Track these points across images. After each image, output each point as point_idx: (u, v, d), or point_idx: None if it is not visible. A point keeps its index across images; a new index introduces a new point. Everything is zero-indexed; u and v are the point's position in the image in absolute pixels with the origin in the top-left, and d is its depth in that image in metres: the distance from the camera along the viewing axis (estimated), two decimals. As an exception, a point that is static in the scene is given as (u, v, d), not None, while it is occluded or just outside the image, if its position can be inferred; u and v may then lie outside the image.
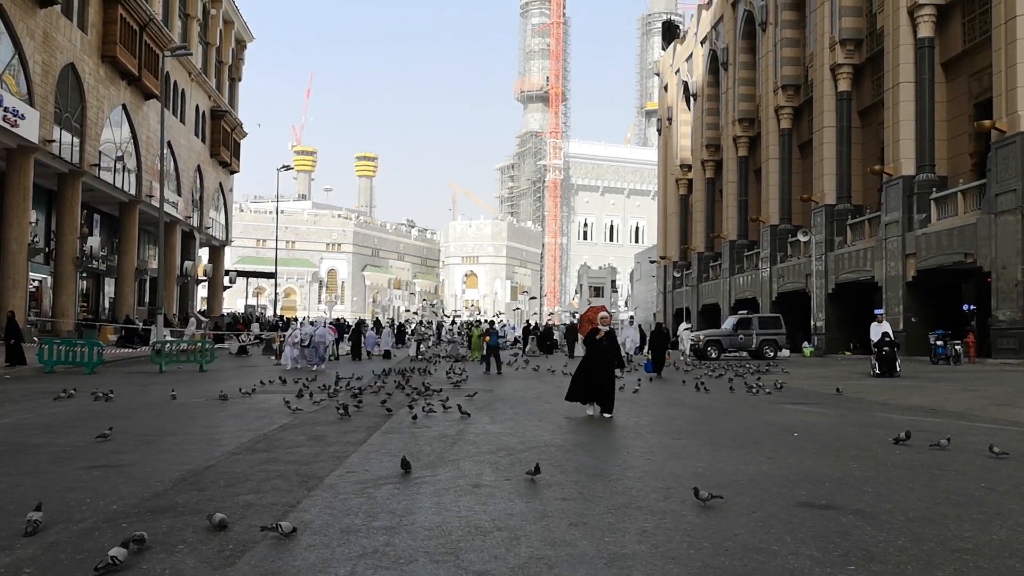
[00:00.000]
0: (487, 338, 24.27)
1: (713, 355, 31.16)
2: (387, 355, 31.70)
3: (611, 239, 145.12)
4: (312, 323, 26.36)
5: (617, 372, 13.70)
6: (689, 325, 35.72)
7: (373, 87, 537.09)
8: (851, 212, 35.24)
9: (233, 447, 8.89)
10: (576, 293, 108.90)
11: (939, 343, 24.70)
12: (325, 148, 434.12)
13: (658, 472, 7.41)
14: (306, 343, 23.69)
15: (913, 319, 29.30)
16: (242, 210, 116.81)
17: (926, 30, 29.67)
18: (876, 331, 20.50)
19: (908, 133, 29.99)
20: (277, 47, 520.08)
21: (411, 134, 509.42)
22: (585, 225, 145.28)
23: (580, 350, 36.85)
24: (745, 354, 32.94)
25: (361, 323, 35.66)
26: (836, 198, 35.77)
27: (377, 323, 45.20)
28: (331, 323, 33.32)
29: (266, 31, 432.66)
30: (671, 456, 8.42)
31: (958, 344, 24.68)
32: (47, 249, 34.04)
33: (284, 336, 26.96)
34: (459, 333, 38.26)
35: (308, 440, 9.45)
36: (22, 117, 28.42)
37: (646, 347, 29.06)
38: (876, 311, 22.31)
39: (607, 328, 12.24)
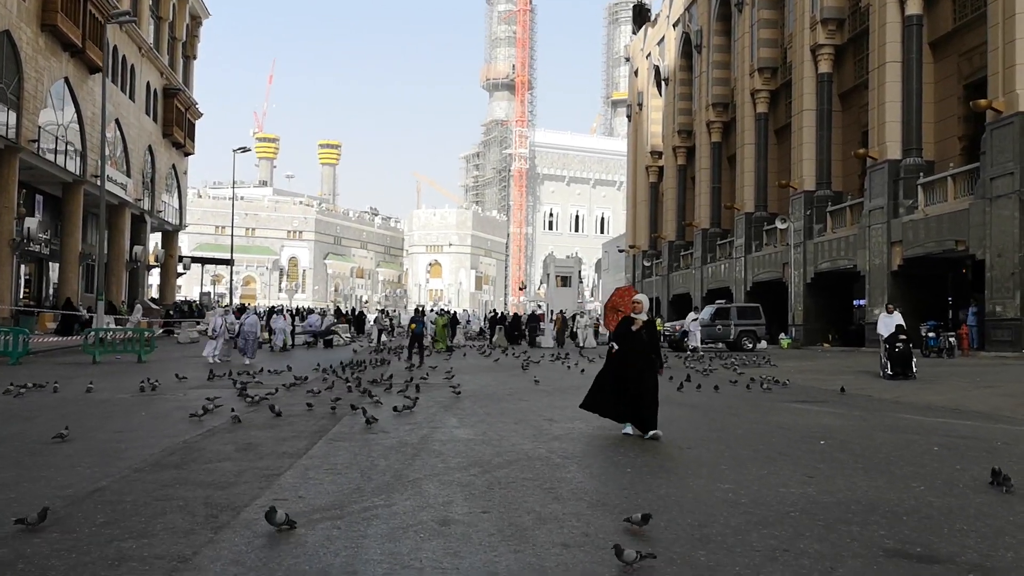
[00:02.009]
0: (413, 325, 23.21)
1: (690, 346, 29.73)
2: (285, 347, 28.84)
3: (577, 229, 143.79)
4: (233, 311, 23.95)
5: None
6: (697, 316, 32.04)
7: (337, 73, 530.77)
8: (831, 199, 33.99)
9: (138, 461, 7.10)
10: (542, 283, 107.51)
11: (931, 335, 23.42)
12: (288, 135, 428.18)
13: (680, 499, 5.76)
14: (234, 333, 21.45)
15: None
16: (200, 196, 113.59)
17: (915, 7, 28.38)
18: (886, 324, 17.21)
19: (894, 115, 28.72)
20: (238, 32, 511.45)
21: (375, 121, 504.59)
22: (551, 215, 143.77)
23: (548, 341, 35.62)
24: (722, 345, 31.59)
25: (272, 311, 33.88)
26: (815, 184, 34.50)
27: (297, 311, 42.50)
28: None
29: (227, 15, 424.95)
30: (688, 473, 6.80)
31: (952, 336, 23.45)
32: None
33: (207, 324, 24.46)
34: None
35: (236, 451, 7.68)
36: (-54, 85, 26.09)
37: None
38: (888, 304, 19.07)
39: (644, 316, 9.11)
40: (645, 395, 8.74)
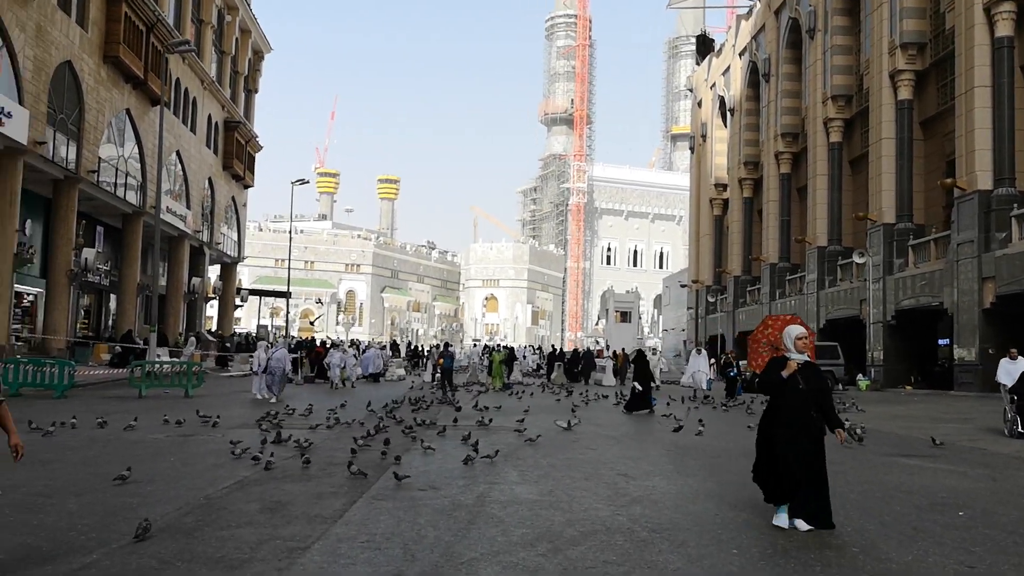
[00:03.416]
0: (441, 360, 23.43)
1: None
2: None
3: (635, 264, 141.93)
4: (270, 344, 22.64)
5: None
6: (704, 353, 29.43)
7: (396, 108, 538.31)
8: (913, 232, 32.04)
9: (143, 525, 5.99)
10: (600, 318, 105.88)
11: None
12: (347, 170, 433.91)
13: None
14: (261, 368, 20.23)
15: (991, 351, 25.96)
16: (261, 229, 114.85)
17: (1005, 28, 26.62)
18: (1009, 371, 14.51)
19: (984, 143, 26.87)
20: (302, 67, 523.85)
21: (433, 156, 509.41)
22: (608, 250, 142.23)
23: (609, 379, 34.00)
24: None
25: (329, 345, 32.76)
26: (896, 216, 32.58)
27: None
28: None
29: (291, 51, 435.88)
30: (812, 559, 5.42)
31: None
32: (32, 261, 31.42)
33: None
34: (479, 358, 35.34)
35: (261, 511, 6.53)
36: (8, 115, 25.92)
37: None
38: (1011, 349, 15.74)
39: (804, 357, 6.56)
40: (814, 472, 6.34)
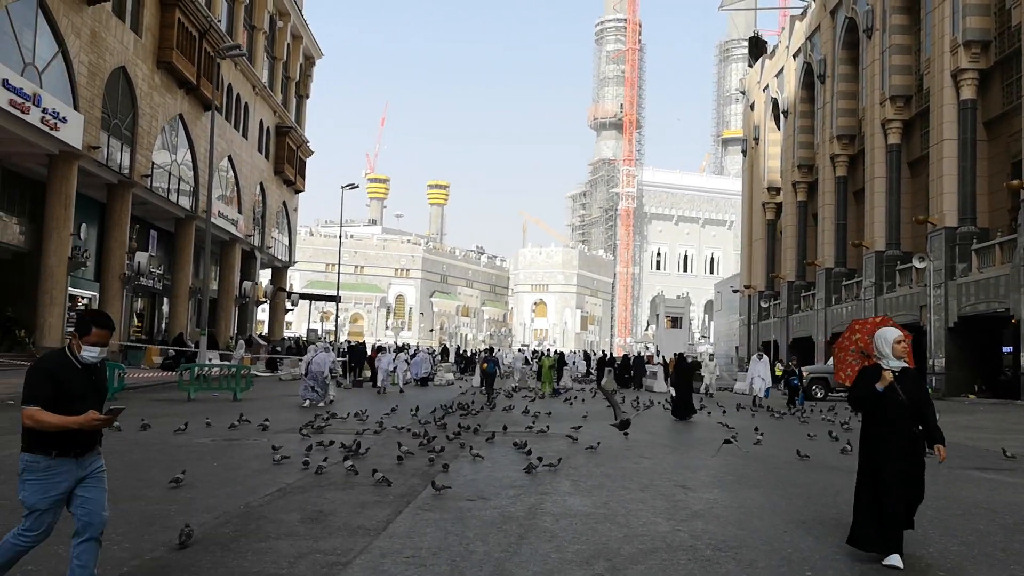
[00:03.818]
0: (484, 365, 23.84)
1: (818, 395, 27.15)
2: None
3: (685, 269, 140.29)
4: (313, 346, 22.24)
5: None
6: (767, 358, 27.82)
7: (446, 114, 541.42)
8: (976, 235, 30.88)
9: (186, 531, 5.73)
10: (649, 324, 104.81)
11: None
12: (397, 175, 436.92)
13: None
14: (303, 371, 19.87)
15: (1061, 359, 24.93)
16: (312, 234, 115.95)
17: (1077, 23, 25.55)
18: None
19: (1054, 142, 25.82)
20: (353, 75, 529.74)
21: (483, 162, 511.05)
22: (658, 255, 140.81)
23: (660, 385, 33.38)
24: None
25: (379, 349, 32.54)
26: (958, 220, 31.44)
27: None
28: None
29: (342, 59, 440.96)
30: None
31: None
32: (86, 265, 31.86)
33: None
34: (527, 362, 35.00)
35: (301, 521, 6.25)
36: (63, 120, 26.27)
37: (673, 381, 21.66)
38: None
39: (903, 363, 5.67)
40: (913, 495, 5.54)
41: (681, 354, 21.26)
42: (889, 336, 5.75)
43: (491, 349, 26.36)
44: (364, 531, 5.95)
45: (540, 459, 9.44)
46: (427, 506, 6.96)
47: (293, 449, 10.09)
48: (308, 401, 18.96)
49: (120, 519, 6.18)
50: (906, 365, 5.69)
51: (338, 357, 32.98)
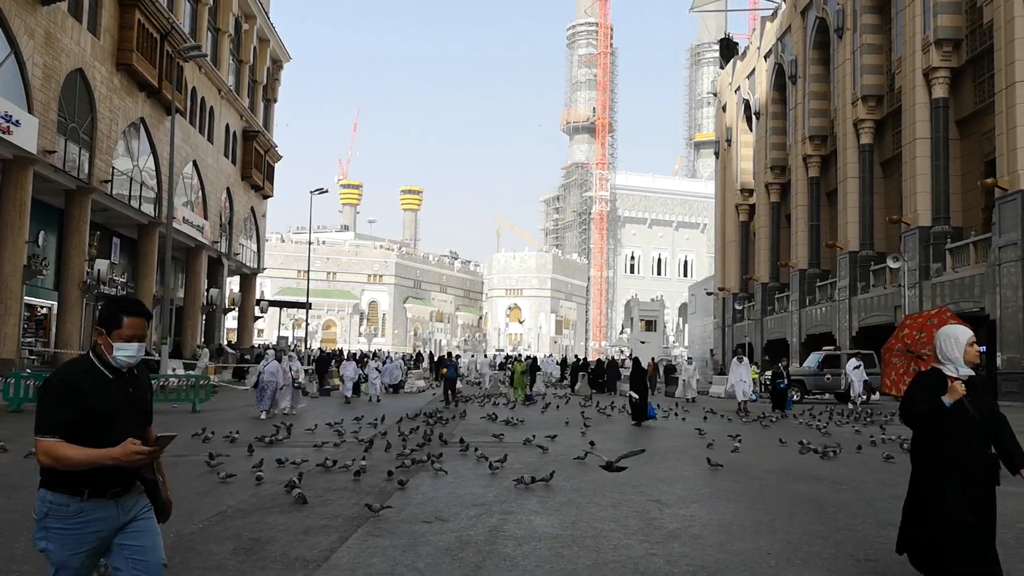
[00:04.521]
0: (444, 370, 23.95)
1: (795, 397, 26.78)
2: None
3: (659, 273, 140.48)
4: (265, 355, 20.47)
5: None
6: (859, 364, 26.46)
7: (418, 119, 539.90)
8: (950, 235, 30.72)
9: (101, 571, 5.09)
10: (624, 327, 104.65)
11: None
12: (370, 181, 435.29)
13: None
14: (252, 383, 18.65)
15: (1038, 358, 24.73)
16: (283, 240, 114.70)
17: (1048, 20, 25.41)
18: None
19: (1027, 140, 25.64)
20: (323, 81, 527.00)
21: (456, 166, 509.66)
22: (632, 258, 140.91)
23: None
24: (830, 396, 28.53)
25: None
26: (932, 219, 31.27)
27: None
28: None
29: (313, 62, 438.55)
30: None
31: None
32: (42, 273, 30.79)
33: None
34: (496, 367, 34.39)
35: (234, 552, 5.61)
36: (17, 124, 25.32)
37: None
38: None
39: (970, 371, 4.63)
40: (987, 525, 4.50)
41: (636, 358, 20.70)
42: (961, 337, 4.64)
43: (450, 354, 25.91)
44: (302, 563, 5.33)
45: (533, 478, 8.79)
46: (377, 531, 6.34)
47: (241, 467, 9.42)
48: (264, 413, 18.01)
49: (30, 553, 5.51)
50: (972, 372, 4.64)
51: (307, 365, 32.22)
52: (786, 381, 23.49)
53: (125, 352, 3.09)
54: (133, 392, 3.16)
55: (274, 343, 59.52)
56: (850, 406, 24.25)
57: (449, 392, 24.26)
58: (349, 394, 24.80)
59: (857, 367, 26.18)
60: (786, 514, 7.26)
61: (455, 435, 13.52)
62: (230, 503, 7.44)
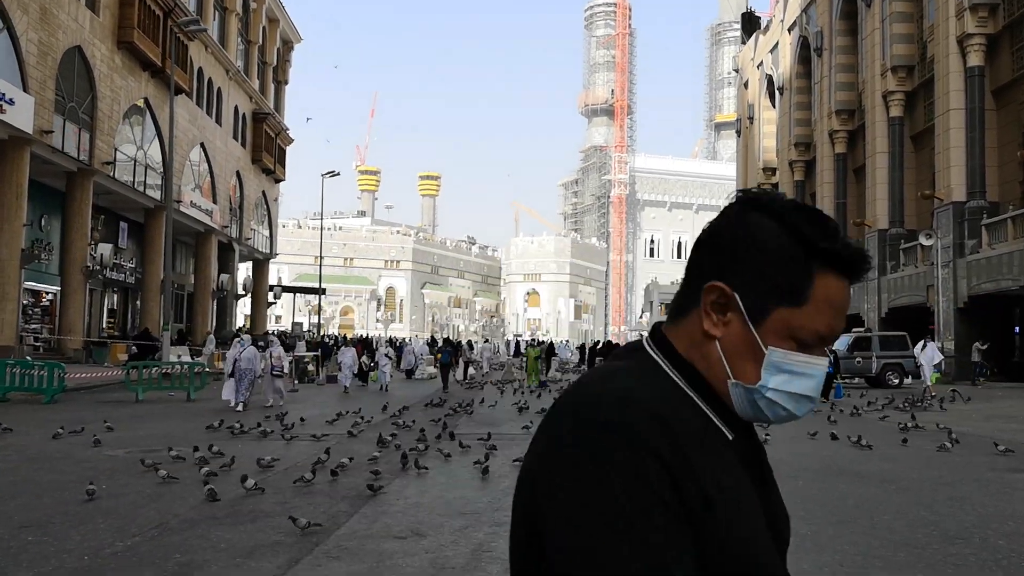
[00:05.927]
0: (439, 355, 23.59)
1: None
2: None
3: (679, 256, 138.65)
4: (239, 339, 19.03)
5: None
6: (935, 341, 24.65)
7: (436, 105, 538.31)
8: (986, 210, 29.22)
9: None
10: (644, 311, 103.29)
11: None
12: (388, 167, 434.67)
13: None
14: (228, 370, 16.98)
15: (1083, 339, 23.32)
16: (300, 226, 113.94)
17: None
18: None
19: (1070, 108, 24.16)
20: (343, 67, 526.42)
21: (474, 150, 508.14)
22: (652, 242, 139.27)
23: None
24: (860, 380, 27.21)
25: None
26: (967, 194, 29.78)
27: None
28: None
29: (332, 45, 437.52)
30: None
31: None
32: (40, 258, 29.85)
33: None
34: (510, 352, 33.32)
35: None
36: (11, 102, 24.42)
37: None
38: None
39: None
40: None
41: (608, 341, 19.34)
42: None
43: (448, 340, 24.87)
44: (230, 598, 4.24)
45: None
46: (336, 551, 5.24)
47: (190, 469, 8.35)
48: (241, 404, 16.37)
49: None
50: None
51: (307, 352, 31.13)
52: (833, 364, 20.58)
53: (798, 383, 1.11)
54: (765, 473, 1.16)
55: (288, 329, 58.72)
56: (925, 392, 21.74)
57: (444, 378, 23.88)
58: (348, 383, 22.78)
59: (933, 344, 23.73)
60: (835, 524, 6.10)
61: (458, 427, 12.45)
62: (178, 511, 6.38)
